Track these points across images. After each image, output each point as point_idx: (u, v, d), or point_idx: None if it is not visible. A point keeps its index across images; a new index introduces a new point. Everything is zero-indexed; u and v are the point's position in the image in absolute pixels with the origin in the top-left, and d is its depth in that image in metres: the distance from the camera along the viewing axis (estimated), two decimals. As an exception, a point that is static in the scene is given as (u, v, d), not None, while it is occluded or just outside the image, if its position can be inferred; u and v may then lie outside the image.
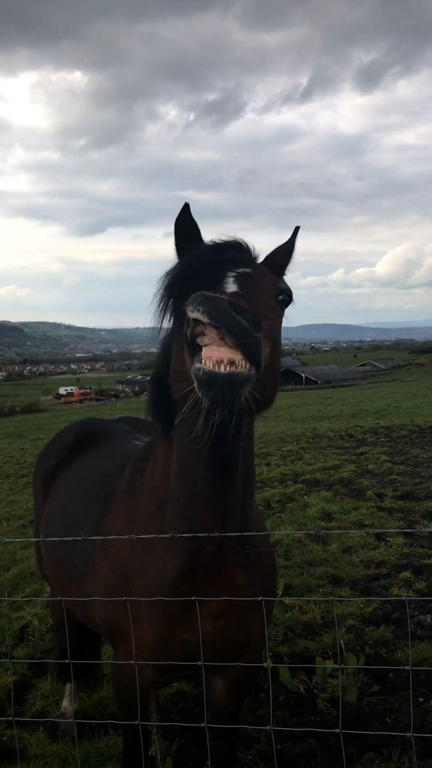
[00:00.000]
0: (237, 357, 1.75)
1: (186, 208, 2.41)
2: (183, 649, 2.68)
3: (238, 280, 2.12)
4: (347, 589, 6.50)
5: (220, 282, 2.09)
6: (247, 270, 2.20)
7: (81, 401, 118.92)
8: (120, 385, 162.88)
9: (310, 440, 18.26)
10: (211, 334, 1.76)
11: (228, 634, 2.71)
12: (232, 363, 1.74)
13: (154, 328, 2.32)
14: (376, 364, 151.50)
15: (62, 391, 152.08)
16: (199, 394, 1.80)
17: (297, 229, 2.62)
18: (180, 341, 2.07)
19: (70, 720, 4.37)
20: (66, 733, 4.37)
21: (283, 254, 2.57)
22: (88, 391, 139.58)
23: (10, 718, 4.02)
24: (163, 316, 2.26)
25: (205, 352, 1.77)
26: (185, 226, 2.42)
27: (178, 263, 2.28)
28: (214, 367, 1.74)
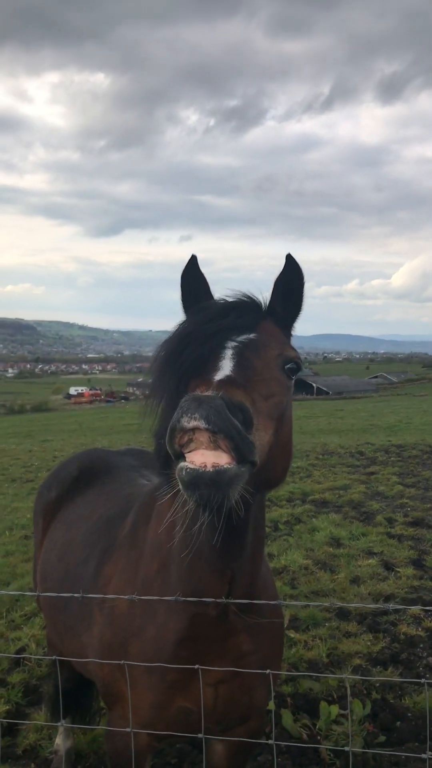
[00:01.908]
0: (223, 461, 1.63)
1: (193, 260, 2.24)
2: (182, 717, 2.51)
3: (238, 353, 1.95)
4: (354, 623, 6.30)
5: (216, 356, 1.94)
6: (251, 336, 2.02)
7: (91, 402, 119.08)
8: (131, 388, 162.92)
9: (320, 456, 18.04)
10: (202, 437, 1.63)
11: (230, 701, 2.54)
12: (216, 466, 1.62)
13: (148, 402, 2.15)
14: (388, 377, 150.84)
15: (72, 391, 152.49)
16: (185, 496, 1.68)
17: (289, 258, 2.21)
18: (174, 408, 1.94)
19: (62, 758, 4.21)
20: (58, 771, 4.21)
21: (291, 304, 2.26)
22: (99, 392, 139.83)
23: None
24: (161, 382, 2.07)
25: (190, 457, 1.65)
26: (192, 281, 2.26)
27: (173, 333, 2.11)
28: (199, 466, 1.62)
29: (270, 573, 2.79)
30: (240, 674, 2.47)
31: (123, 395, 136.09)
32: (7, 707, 5.00)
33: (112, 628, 2.62)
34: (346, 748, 2.28)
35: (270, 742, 2.27)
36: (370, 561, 8.18)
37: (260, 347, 2.01)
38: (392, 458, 17.13)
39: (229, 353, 1.94)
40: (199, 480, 1.61)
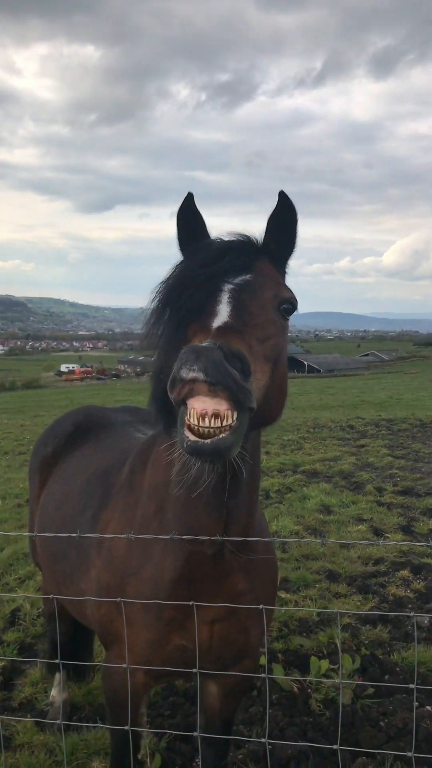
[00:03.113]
0: (223, 407, 1.69)
1: (189, 198, 2.24)
2: (178, 654, 2.57)
3: (234, 296, 1.99)
4: (344, 585, 6.41)
5: (213, 301, 1.97)
6: (247, 277, 2.06)
7: (82, 379, 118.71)
8: (122, 365, 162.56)
9: (311, 430, 18.16)
10: (202, 388, 1.68)
11: (226, 640, 2.61)
12: (217, 415, 1.69)
13: (147, 335, 2.19)
14: (379, 355, 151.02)
15: (63, 368, 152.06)
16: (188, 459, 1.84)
17: (282, 195, 2.20)
18: (174, 352, 2.00)
19: (58, 710, 4.30)
20: (54, 723, 4.30)
21: (285, 240, 2.28)
22: (90, 369, 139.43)
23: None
24: (158, 326, 2.13)
25: (191, 403, 1.71)
26: (189, 218, 2.27)
27: (171, 274, 2.13)
28: (198, 421, 1.70)
29: (263, 516, 2.85)
30: (235, 613, 2.54)
31: (114, 372, 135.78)
32: (2, 664, 5.08)
33: (110, 569, 2.68)
34: (337, 681, 2.35)
35: (263, 675, 2.33)
36: (359, 527, 8.30)
37: (256, 289, 2.05)
38: (382, 431, 17.28)
39: (225, 297, 1.98)
40: (200, 451, 1.71)
